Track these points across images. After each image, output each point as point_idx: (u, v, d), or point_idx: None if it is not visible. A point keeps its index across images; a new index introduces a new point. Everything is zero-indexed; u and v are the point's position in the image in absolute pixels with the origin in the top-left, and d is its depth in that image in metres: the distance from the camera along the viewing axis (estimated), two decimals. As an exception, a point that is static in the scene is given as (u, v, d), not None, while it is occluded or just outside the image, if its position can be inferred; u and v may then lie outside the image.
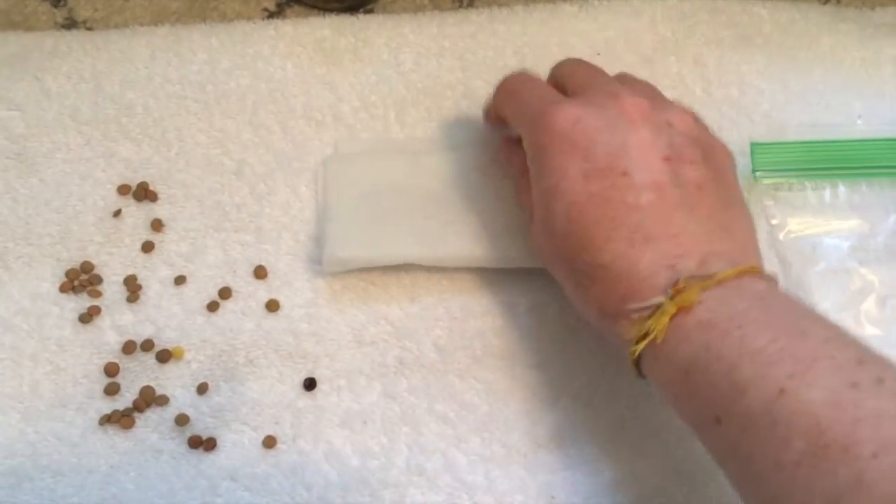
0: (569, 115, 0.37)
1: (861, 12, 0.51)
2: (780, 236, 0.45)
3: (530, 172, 0.38)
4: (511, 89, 0.41)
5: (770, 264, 0.44)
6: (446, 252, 0.43)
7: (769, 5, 0.50)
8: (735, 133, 0.47)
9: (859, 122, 0.47)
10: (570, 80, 0.40)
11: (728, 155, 0.39)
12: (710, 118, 0.47)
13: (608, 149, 0.36)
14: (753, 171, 0.45)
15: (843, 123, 0.47)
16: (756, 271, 0.34)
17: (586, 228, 0.35)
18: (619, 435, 0.41)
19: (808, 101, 0.48)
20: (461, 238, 0.43)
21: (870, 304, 0.43)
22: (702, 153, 0.37)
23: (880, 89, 0.48)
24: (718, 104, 0.48)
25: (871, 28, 0.50)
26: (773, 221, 0.45)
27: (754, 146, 0.45)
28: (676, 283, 0.33)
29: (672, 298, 0.33)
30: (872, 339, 0.42)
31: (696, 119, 0.39)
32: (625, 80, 0.41)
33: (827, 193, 0.45)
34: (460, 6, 0.51)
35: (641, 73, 0.47)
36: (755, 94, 0.48)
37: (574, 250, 0.36)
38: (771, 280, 0.35)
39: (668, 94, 0.47)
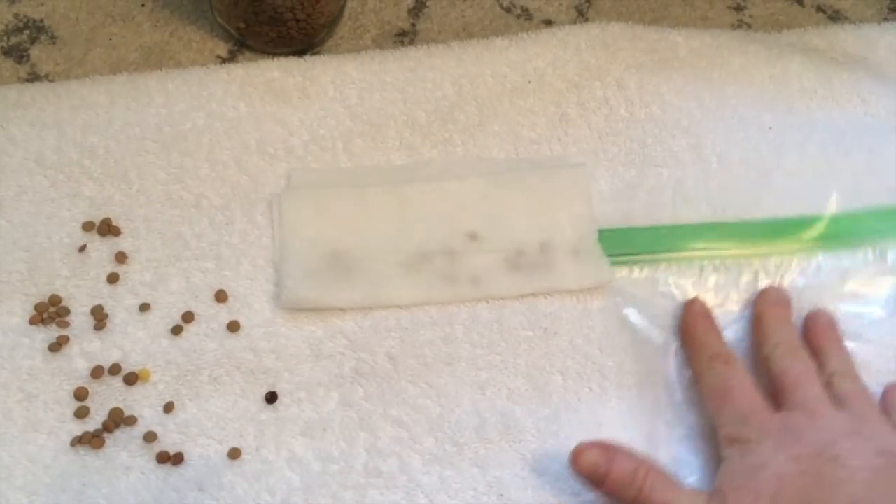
0: (778, 423, 0.40)
1: (768, 35, 0.56)
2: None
3: (725, 449, 0.40)
4: (721, 386, 0.42)
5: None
6: (396, 296, 0.46)
7: (684, 32, 0.54)
8: (659, 147, 0.51)
9: (770, 131, 0.51)
10: (780, 380, 0.42)
11: None
12: (635, 135, 0.51)
13: (818, 441, 0.39)
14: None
15: (753, 136, 0.51)
16: None
17: (802, 499, 0.37)
18: (561, 428, 0.44)
19: (723, 115, 0.52)
20: (406, 280, 0.46)
21: None
22: None
23: (788, 102, 0.53)
24: (642, 122, 0.51)
25: (778, 48, 0.54)
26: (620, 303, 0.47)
27: (601, 232, 0.48)
28: None
29: None
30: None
31: None
32: (839, 390, 0.42)
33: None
34: (401, 45, 0.55)
35: (569, 98, 0.52)
36: (675, 112, 0.52)
37: None
38: None
39: (595, 115, 0.52)
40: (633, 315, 0.46)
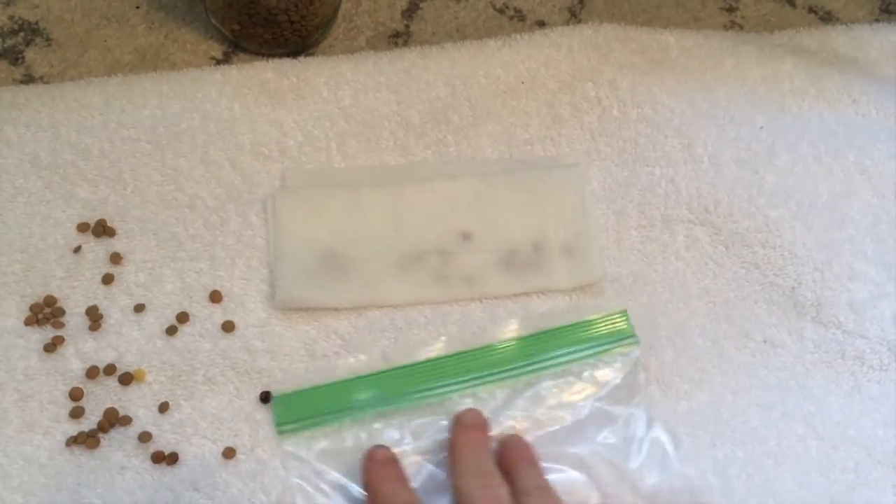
0: None
1: (760, 35, 0.56)
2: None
3: None
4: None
5: None
6: (390, 295, 0.47)
7: (676, 33, 0.55)
8: (651, 147, 0.51)
9: (761, 131, 0.52)
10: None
11: None
12: (627, 136, 0.51)
13: None
14: (276, 424, 0.44)
15: (745, 136, 0.51)
16: None
17: None
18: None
19: (715, 115, 0.52)
20: (400, 280, 0.47)
21: None
22: None
23: (780, 103, 0.53)
24: (634, 123, 0.52)
25: (769, 49, 0.55)
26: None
27: (275, 399, 0.44)
28: None
29: None
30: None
31: None
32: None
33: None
34: (395, 47, 0.55)
35: (562, 99, 0.52)
36: (666, 112, 0.52)
37: None
38: None
39: (588, 115, 0.52)
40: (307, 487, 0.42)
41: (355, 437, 0.44)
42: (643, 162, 0.51)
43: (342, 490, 0.42)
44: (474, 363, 0.45)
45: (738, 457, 0.44)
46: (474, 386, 0.45)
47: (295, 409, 0.44)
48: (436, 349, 0.46)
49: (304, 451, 0.43)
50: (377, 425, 0.44)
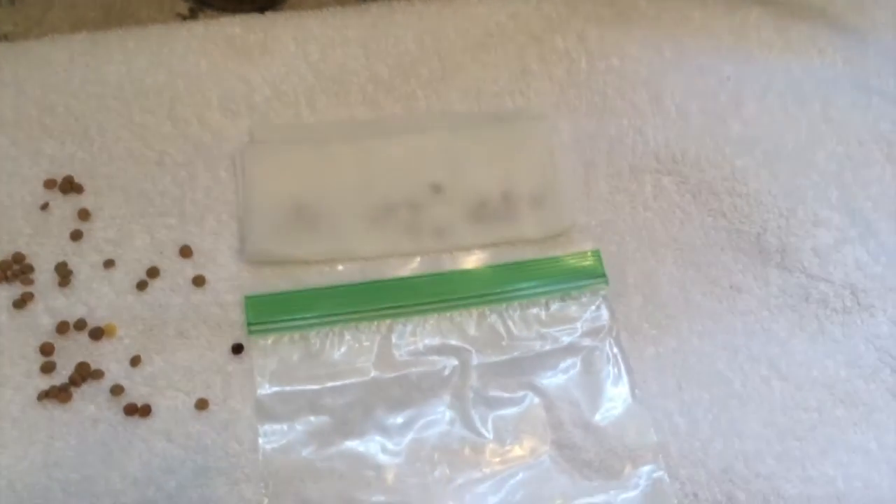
0: None
1: (728, -12, 0.56)
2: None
3: None
4: None
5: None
6: (360, 248, 0.47)
7: (644, -16, 0.55)
8: (619, 98, 0.51)
9: (729, 81, 0.52)
10: None
11: None
12: (595, 88, 0.52)
13: None
14: (248, 324, 0.45)
15: (712, 86, 0.52)
16: None
17: None
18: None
19: (682, 66, 0.52)
20: (370, 233, 0.47)
21: None
22: None
23: (747, 53, 0.53)
24: (602, 75, 0.52)
25: (738, 1, 0.55)
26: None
27: (248, 299, 0.45)
28: None
29: None
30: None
31: None
32: None
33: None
34: (363, 1, 0.55)
35: (531, 52, 0.52)
36: (634, 63, 0.52)
37: None
38: None
39: (557, 68, 0.52)
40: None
41: (322, 341, 0.44)
42: (611, 113, 0.51)
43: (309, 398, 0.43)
44: (446, 286, 0.46)
45: (703, 398, 0.44)
46: (444, 309, 0.46)
47: (266, 311, 0.45)
48: (409, 269, 0.47)
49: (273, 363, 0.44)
50: (347, 336, 0.45)
